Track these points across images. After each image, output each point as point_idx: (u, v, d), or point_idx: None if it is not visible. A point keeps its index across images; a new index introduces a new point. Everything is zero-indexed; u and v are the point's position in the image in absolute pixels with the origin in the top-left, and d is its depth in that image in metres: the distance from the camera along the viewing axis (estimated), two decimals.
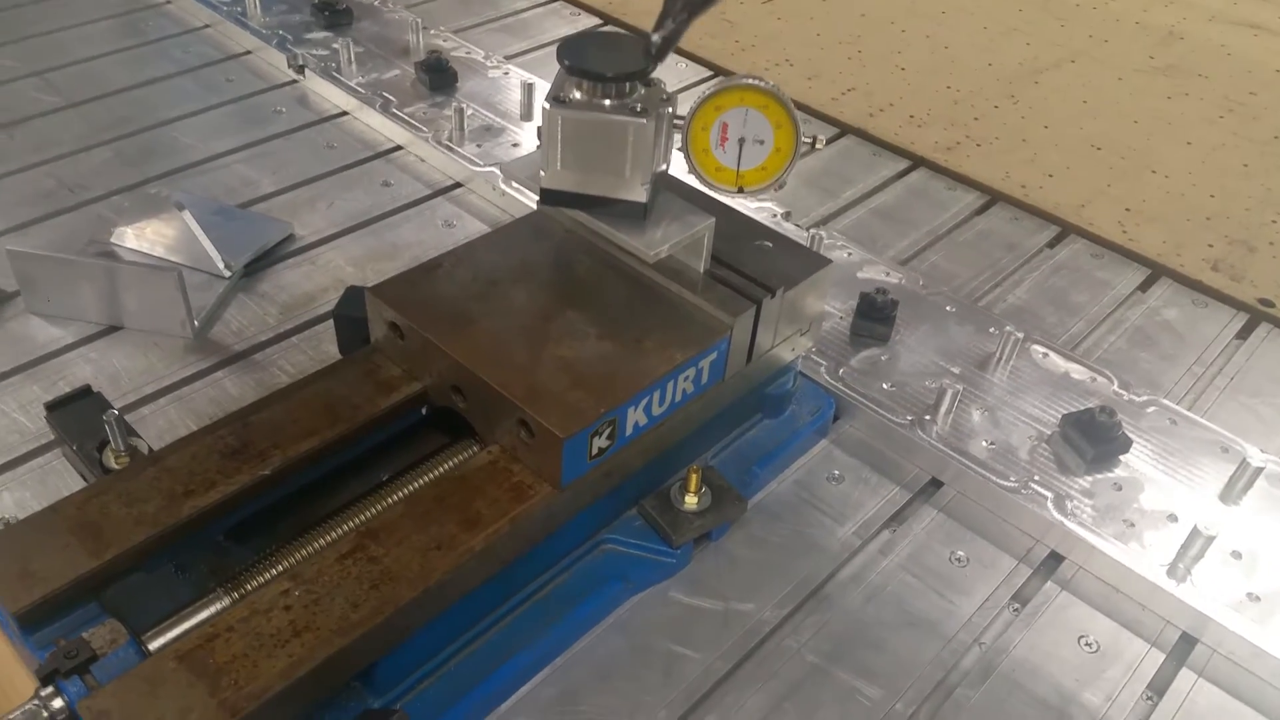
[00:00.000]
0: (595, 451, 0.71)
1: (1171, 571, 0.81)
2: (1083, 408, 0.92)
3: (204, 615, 0.65)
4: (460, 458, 0.75)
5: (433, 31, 1.44)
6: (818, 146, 0.74)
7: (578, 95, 0.73)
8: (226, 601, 0.66)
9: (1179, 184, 1.42)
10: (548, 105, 0.72)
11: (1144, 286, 1.18)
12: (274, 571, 0.67)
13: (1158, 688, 0.76)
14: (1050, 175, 1.41)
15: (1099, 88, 1.67)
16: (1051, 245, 1.24)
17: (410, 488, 0.73)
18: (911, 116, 1.52)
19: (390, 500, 0.72)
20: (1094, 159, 1.47)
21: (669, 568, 0.80)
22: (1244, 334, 1.13)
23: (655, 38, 0.70)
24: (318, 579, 0.64)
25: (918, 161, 1.36)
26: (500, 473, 0.72)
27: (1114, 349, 1.09)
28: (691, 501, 0.80)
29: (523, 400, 0.70)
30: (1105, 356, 1.07)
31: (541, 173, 0.75)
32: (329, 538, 0.68)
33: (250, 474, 0.70)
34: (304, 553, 0.67)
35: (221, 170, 1.22)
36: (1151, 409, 0.96)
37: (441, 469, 0.74)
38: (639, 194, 0.75)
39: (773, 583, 0.80)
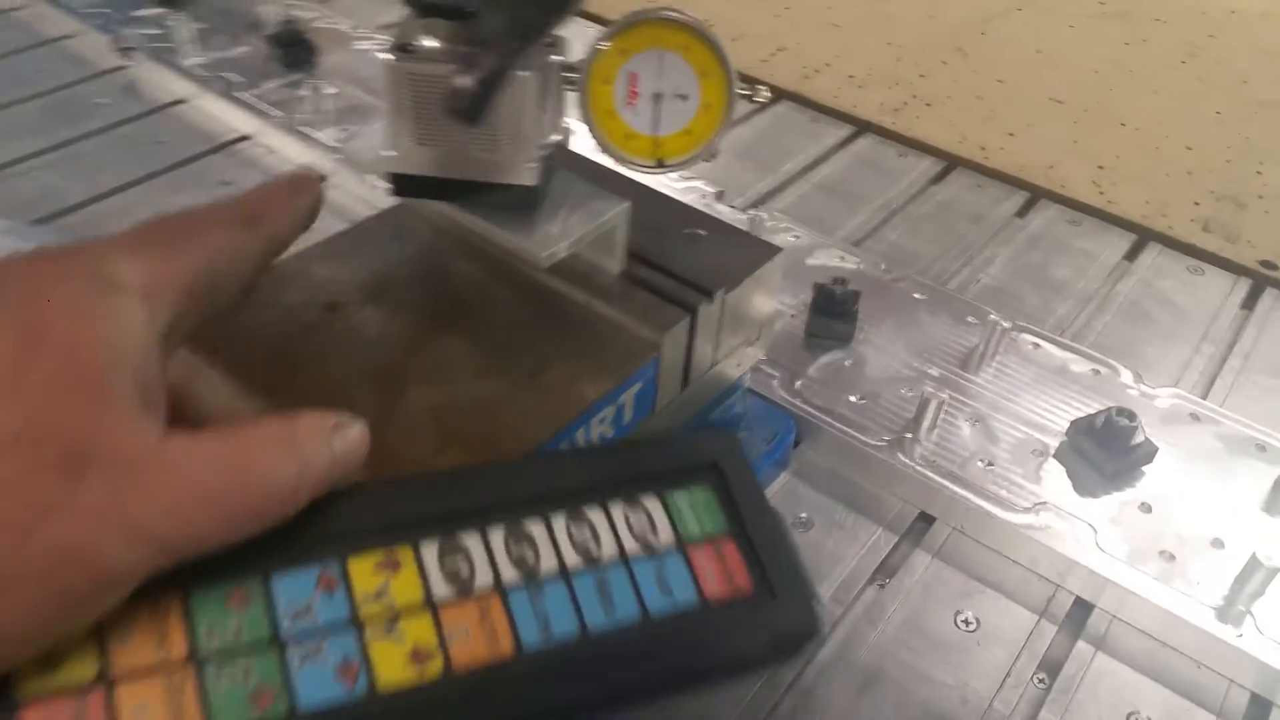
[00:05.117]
0: None
1: (1223, 614, 0.64)
2: (1091, 409, 0.75)
3: None
4: None
5: (288, 1, 1.22)
6: (760, 98, 0.55)
7: (432, 43, 0.53)
8: None
9: (1152, 137, 1.27)
10: (388, 58, 0.52)
11: (1131, 255, 1.03)
12: None
13: None
14: (1011, 134, 1.24)
15: (1051, 36, 1.51)
16: (1021, 214, 1.08)
17: None
18: (851, 76, 1.34)
19: None
20: (1057, 114, 1.31)
21: None
22: (1249, 303, 0.98)
23: (468, 80, 0.46)
24: None
25: (863, 126, 1.19)
26: None
27: (1109, 330, 0.92)
28: None
29: (368, 470, 0.50)
30: (1100, 341, 0.91)
31: (390, 152, 0.55)
32: None
33: None
34: None
35: (20, 178, 0.99)
36: (1169, 403, 0.79)
37: None
38: (523, 175, 0.55)
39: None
